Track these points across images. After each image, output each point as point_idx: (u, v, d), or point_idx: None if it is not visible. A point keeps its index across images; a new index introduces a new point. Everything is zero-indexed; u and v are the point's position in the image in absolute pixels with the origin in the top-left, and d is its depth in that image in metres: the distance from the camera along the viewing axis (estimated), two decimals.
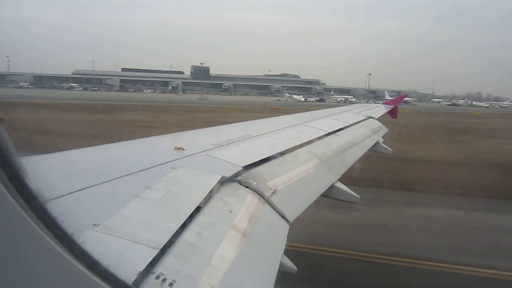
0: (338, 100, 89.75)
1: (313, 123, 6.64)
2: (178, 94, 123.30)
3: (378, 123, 9.39)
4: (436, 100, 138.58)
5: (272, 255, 2.32)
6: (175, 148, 3.22)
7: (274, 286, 1.98)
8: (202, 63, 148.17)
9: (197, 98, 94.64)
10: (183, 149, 3.22)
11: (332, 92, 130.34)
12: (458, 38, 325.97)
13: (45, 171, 2.20)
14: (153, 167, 2.63)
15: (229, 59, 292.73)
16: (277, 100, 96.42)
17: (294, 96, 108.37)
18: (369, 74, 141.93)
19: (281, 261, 2.33)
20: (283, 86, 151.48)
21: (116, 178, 2.28)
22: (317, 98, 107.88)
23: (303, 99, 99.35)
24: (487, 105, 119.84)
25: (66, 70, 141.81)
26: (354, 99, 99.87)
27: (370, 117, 9.50)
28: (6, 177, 1.04)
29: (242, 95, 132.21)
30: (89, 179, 2.16)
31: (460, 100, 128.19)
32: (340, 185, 4.34)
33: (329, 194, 4.13)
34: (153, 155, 3.09)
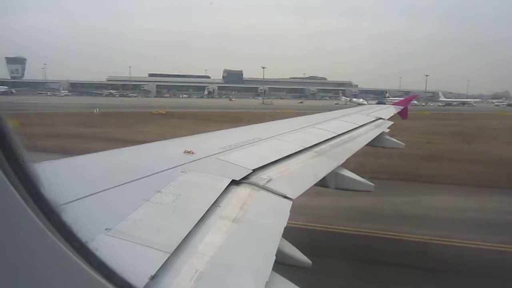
0: None
1: (323, 125, 6.73)
2: (230, 99, 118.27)
3: (388, 123, 9.55)
4: (471, 100, 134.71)
5: (271, 230, 2.32)
6: (185, 152, 3.27)
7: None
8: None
9: (259, 103, 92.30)
10: (192, 152, 3.28)
11: (387, 95, 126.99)
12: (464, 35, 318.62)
13: (57, 176, 2.20)
14: (163, 171, 2.68)
15: (232, 62, 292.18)
16: (336, 104, 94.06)
17: (354, 99, 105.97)
18: (426, 75, 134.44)
19: (294, 255, 2.40)
20: (318, 89, 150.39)
21: (127, 183, 2.33)
22: (377, 102, 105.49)
23: (365, 103, 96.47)
24: None
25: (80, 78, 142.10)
26: (416, 102, 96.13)
27: (380, 118, 9.66)
28: (23, 187, 1.08)
29: (277, 98, 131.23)
30: (100, 184, 2.20)
31: None
32: (351, 174, 4.31)
33: (340, 185, 4.16)
34: (163, 159, 3.14)
